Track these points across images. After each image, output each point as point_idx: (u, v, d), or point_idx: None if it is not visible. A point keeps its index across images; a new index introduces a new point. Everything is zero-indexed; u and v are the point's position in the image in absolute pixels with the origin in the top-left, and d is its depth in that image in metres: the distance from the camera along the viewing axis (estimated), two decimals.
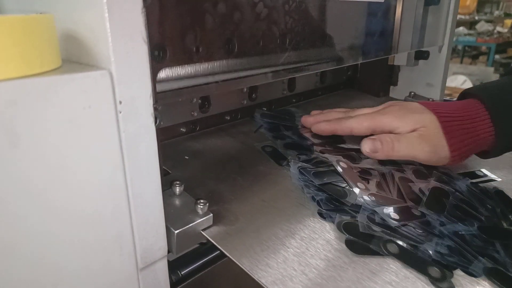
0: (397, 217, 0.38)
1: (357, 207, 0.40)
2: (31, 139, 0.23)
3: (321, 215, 0.39)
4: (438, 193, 0.43)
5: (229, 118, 0.60)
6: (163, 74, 0.35)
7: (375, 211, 0.39)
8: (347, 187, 0.43)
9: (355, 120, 0.52)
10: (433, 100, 0.77)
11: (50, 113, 0.24)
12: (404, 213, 0.39)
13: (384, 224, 0.38)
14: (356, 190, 0.42)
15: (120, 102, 0.27)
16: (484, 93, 0.48)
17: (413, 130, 0.47)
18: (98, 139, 0.26)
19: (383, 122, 0.49)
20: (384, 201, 0.40)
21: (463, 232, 0.37)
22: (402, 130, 0.47)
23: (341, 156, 0.48)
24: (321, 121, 0.55)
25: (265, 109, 0.65)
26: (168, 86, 0.36)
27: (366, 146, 0.48)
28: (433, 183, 0.45)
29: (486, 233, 0.37)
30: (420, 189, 0.43)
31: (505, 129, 0.46)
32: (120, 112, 0.27)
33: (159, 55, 0.34)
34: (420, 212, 0.39)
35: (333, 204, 0.41)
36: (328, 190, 0.42)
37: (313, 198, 0.42)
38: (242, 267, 0.32)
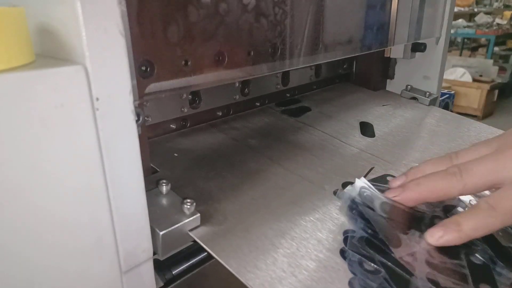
0: None
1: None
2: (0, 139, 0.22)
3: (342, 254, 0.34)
4: None
5: (220, 114, 0.59)
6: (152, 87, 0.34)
7: None
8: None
9: (473, 169, 0.34)
10: (430, 94, 0.76)
11: (18, 113, 0.22)
12: None
13: None
14: None
15: (97, 99, 0.26)
16: None
17: None
18: (73, 139, 0.25)
19: None
20: None
21: None
22: None
23: None
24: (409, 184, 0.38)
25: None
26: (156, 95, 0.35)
27: None
28: None
29: None
30: None
31: None
32: (97, 110, 0.26)
33: (146, 71, 0.33)
34: None
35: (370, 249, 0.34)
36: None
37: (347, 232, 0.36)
38: (230, 269, 0.31)
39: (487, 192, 0.40)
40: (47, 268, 0.26)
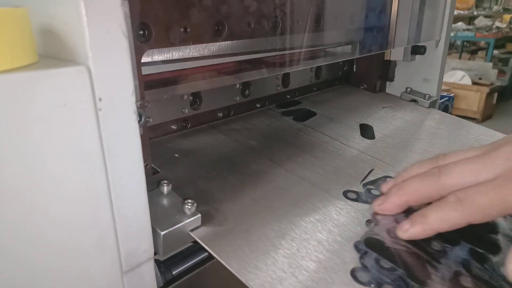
0: None
1: None
2: (2, 139, 0.22)
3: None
4: None
5: (221, 115, 0.59)
6: (148, 57, 0.34)
7: None
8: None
9: (452, 170, 0.34)
10: (430, 96, 0.76)
11: (21, 112, 0.22)
12: None
13: None
14: None
15: (100, 99, 0.26)
16: None
17: None
18: (76, 139, 0.25)
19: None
20: None
21: None
22: None
23: None
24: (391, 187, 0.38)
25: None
26: (154, 69, 0.35)
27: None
28: None
29: None
30: None
31: None
32: (100, 110, 0.26)
33: (144, 35, 0.32)
34: None
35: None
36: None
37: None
38: (230, 269, 0.31)
39: None
40: (48, 268, 0.26)
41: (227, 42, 0.40)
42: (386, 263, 0.33)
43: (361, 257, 0.34)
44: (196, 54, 0.41)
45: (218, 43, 0.40)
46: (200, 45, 0.39)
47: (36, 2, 0.28)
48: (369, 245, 0.35)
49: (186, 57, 0.40)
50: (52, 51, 0.28)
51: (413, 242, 0.35)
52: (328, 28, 0.50)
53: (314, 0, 0.46)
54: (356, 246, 0.35)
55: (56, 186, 0.25)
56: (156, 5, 0.33)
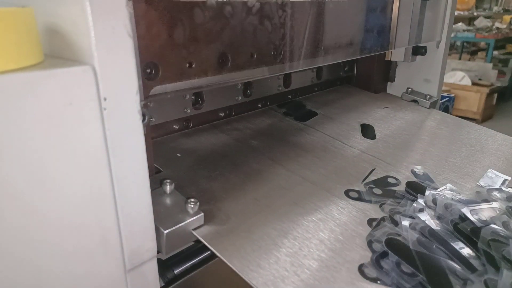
0: None
1: None
2: (8, 138, 0.22)
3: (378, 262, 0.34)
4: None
5: (223, 114, 0.59)
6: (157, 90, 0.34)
7: None
8: None
9: None
10: (430, 97, 0.76)
11: (28, 111, 0.23)
12: None
13: None
14: None
15: (105, 99, 0.26)
16: None
17: None
18: (81, 137, 0.25)
19: None
20: None
21: None
22: None
23: None
24: None
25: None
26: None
27: None
28: None
29: None
30: None
31: None
32: (105, 109, 0.26)
33: (151, 73, 0.33)
34: None
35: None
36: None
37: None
38: (233, 268, 0.32)
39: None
40: (53, 267, 0.26)
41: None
42: (407, 268, 0.33)
43: (378, 257, 0.34)
44: (199, 85, 0.40)
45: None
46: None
47: (41, 1, 0.28)
48: (390, 245, 0.35)
49: (191, 87, 0.40)
50: (57, 51, 0.28)
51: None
52: (330, 51, 0.50)
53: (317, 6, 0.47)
54: (370, 244, 0.35)
55: (61, 186, 0.25)
56: (163, 44, 0.33)
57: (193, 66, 0.36)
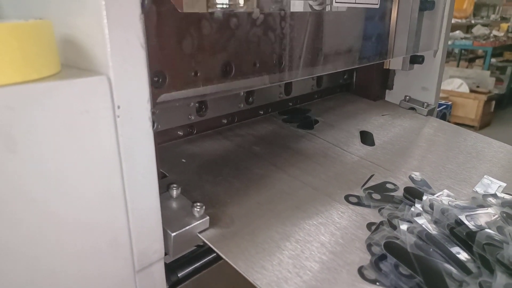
0: None
1: None
2: (28, 144, 0.24)
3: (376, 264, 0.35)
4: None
5: (226, 121, 0.61)
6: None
7: None
8: None
9: None
10: (428, 104, 0.78)
11: (48, 119, 0.24)
12: None
13: None
14: None
15: (118, 107, 0.28)
16: None
17: None
18: (96, 143, 0.27)
19: None
20: None
21: None
22: None
23: None
24: None
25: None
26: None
27: None
28: None
29: None
30: None
31: None
32: (118, 117, 0.28)
33: (158, 81, 0.34)
34: None
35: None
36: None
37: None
38: (238, 270, 0.33)
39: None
40: (67, 267, 0.28)
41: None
42: (405, 270, 0.34)
43: (377, 260, 0.35)
44: (204, 93, 0.42)
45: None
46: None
47: (57, 13, 0.29)
48: (389, 248, 0.36)
49: (196, 95, 0.41)
50: (72, 61, 0.29)
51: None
52: (329, 60, 0.52)
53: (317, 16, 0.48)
54: (369, 247, 0.36)
55: (76, 189, 0.27)
56: (170, 54, 0.34)
57: (198, 74, 0.37)
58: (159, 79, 0.35)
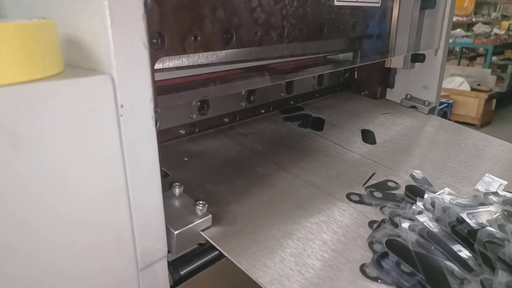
0: None
1: None
2: (33, 143, 0.24)
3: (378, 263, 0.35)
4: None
5: (227, 120, 0.61)
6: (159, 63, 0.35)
7: None
8: None
9: None
10: (429, 103, 0.78)
11: (52, 117, 0.24)
12: None
13: None
14: None
15: (122, 106, 0.28)
16: None
17: None
18: (99, 142, 0.27)
19: None
20: None
21: None
22: None
23: None
24: None
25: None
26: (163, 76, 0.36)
27: None
28: None
29: None
30: None
31: None
32: (121, 116, 0.28)
33: (157, 43, 0.34)
34: None
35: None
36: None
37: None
38: (240, 267, 0.33)
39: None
40: (71, 265, 0.28)
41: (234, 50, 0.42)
42: (406, 268, 0.34)
43: (379, 258, 0.35)
44: (205, 61, 0.42)
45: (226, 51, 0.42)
46: (209, 53, 0.41)
47: (60, 13, 0.29)
48: (390, 246, 0.36)
49: (195, 63, 0.42)
50: (75, 60, 0.30)
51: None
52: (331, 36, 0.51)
53: (317, 13, 0.48)
54: (371, 245, 0.37)
55: (79, 188, 0.27)
56: (169, 15, 0.34)
57: (198, 39, 0.37)
58: (158, 40, 0.34)
